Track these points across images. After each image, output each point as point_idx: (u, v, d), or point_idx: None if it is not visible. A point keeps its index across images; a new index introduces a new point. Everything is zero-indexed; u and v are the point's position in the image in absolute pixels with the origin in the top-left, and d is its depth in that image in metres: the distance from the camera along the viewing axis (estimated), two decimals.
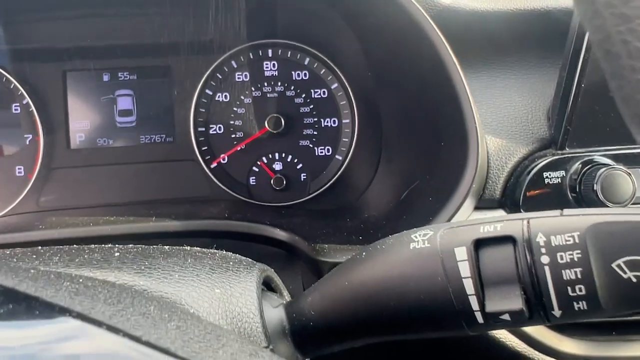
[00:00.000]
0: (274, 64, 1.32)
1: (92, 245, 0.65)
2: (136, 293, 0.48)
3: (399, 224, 0.97)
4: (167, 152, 1.31)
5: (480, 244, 0.53)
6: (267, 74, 1.32)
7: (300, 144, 1.33)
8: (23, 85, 1.25)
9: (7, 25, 1.23)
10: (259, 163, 1.32)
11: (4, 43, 1.24)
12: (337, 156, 1.33)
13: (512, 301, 0.51)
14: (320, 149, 1.33)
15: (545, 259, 0.50)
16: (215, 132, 1.32)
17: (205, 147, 1.30)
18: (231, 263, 0.64)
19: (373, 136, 1.26)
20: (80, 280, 0.50)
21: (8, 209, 1.25)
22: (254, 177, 1.32)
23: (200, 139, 1.30)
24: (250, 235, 1.04)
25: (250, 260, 0.67)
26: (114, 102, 1.30)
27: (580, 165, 0.96)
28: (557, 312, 0.51)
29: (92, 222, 1.09)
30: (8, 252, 0.61)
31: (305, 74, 1.33)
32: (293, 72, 1.33)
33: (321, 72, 1.32)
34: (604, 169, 0.92)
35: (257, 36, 1.29)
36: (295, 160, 1.33)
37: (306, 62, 1.32)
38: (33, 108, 1.25)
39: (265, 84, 1.32)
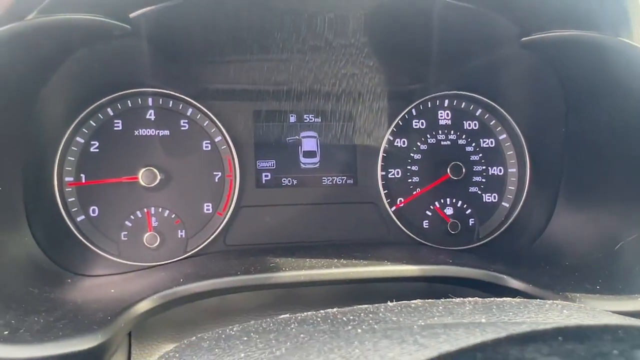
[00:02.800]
0: (447, 113, 1.39)
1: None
2: None
3: (634, 274, 1.04)
4: (348, 194, 1.34)
5: None
6: (441, 122, 1.39)
7: (470, 190, 1.39)
8: (217, 122, 1.26)
9: (205, 65, 1.24)
10: (432, 207, 1.37)
11: (202, 82, 1.25)
12: (503, 203, 1.40)
13: None
14: (488, 196, 1.40)
15: None
16: (393, 176, 1.36)
17: (387, 191, 1.34)
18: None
19: (547, 185, 1.33)
20: None
21: (200, 247, 1.24)
22: (427, 221, 1.37)
23: (383, 182, 1.34)
24: (485, 282, 1.08)
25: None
26: (299, 143, 1.33)
27: None
28: None
29: (307, 265, 1.10)
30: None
31: (475, 124, 1.40)
32: (464, 122, 1.40)
33: (491, 123, 1.40)
34: None
35: (443, 87, 1.35)
36: (465, 206, 1.39)
37: (477, 113, 1.40)
38: (228, 145, 1.26)
39: (440, 132, 1.38)
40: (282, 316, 0.70)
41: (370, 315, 0.62)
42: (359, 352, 0.41)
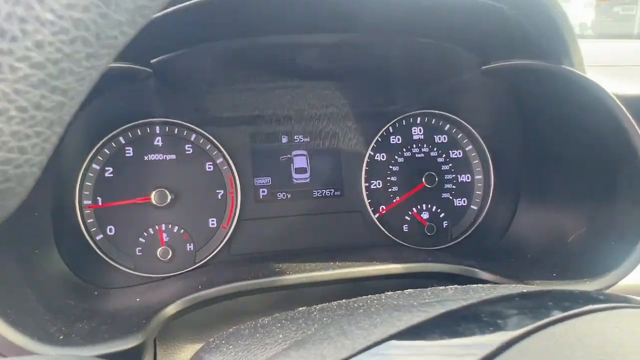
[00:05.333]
0: (420, 129, 1.58)
1: None
2: None
3: (584, 263, 1.23)
4: (336, 204, 1.50)
5: None
6: (414, 137, 1.57)
7: (442, 196, 1.58)
8: (218, 145, 1.41)
9: (207, 96, 1.40)
10: (410, 213, 1.55)
11: (205, 110, 1.40)
12: (472, 206, 1.59)
13: None
14: (458, 200, 1.59)
15: None
16: (375, 187, 1.54)
17: (370, 200, 1.51)
18: None
19: (509, 189, 1.52)
20: None
21: (207, 258, 1.39)
22: (406, 225, 1.55)
23: (367, 193, 1.51)
24: (459, 276, 1.26)
25: None
26: (291, 161, 1.49)
27: None
28: None
29: (309, 269, 1.26)
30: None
31: (445, 138, 1.59)
32: (435, 136, 1.58)
33: (458, 137, 1.59)
34: None
35: (416, 107, 1.54)
36: (439, 210, 1.57)
37: (446, 128, 1.59)
38: (229, 165, 1.42)
39: (414, 146, 1.57)
40: (302, 308, 0.86)
41: (375, 301, 0.78)
42: (398, 314, 0.57)
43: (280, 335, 0.70)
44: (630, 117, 1.14)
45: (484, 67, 1.24)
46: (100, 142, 1.33)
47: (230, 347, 0.73)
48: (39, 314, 0.99)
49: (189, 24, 1.04)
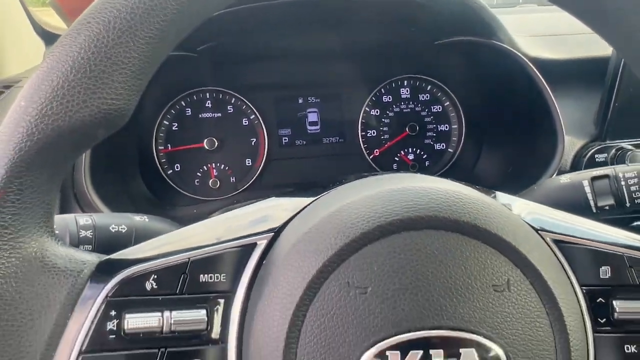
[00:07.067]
0: (407, 90, 2.03)
1: None
2: None
3: (518, 185, 1.67)
4: (340, 148, 2.00)
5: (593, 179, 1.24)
6: (402, 96, 2.03)
7: (425, 142, 2.03)
8: (251, 106, 1.93)
9: (244, 70, 1.92)
10: (399, 155, 2.02)
11: (242, 80, 1.93)
12: (449, 149, 2.04)
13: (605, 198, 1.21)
14: (437, 145, 2.04)
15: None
16: (370, 135, 2.01)
17: (366, 145, 2.00)
18: None
19: (476, 135, 1.96)
20: None
21: (245, 187, 1.93)
22: (395, 164, 2.03)
23: (363, 140, 2.00)
24: None
25: None
26: (305, 117, 2.00)
27: (615, 151, 1.68)
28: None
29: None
30: None
31: (427, 96, 2.03)
32: (420, 95, 2.03)
33: (438, 95, 2.03)
34: (630, 152, 1.64)
35: (401, 72, 1.99)
36: (422, 153, 2.03)
37: (428, 89, 2.03)
38: (259, 121, 1.94)
39: (402, 103, 2.02)
40: None
41: None
42: None
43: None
44: (541, 77, 1.56)
45: (436, 42, 1.68)
46: (168, 105, 1.89)
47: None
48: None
49: (239, 21, 1.56)
